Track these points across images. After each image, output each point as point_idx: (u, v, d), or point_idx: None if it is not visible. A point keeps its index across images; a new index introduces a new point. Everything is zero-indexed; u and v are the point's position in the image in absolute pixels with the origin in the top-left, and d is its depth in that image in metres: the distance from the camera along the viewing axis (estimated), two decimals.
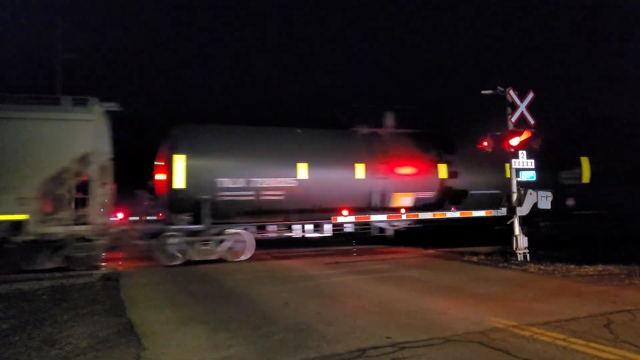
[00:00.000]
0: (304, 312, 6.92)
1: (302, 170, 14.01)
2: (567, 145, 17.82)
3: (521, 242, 12.32)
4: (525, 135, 12.34)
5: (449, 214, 14.77)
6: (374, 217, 14.29)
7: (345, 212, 14.04)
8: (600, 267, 10.28)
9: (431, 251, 14.74)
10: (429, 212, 14.71)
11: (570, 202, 16.82)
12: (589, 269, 10.16)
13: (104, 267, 12.41)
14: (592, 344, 5.17)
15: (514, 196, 12.83)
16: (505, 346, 5.16)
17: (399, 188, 15.04)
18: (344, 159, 14.70)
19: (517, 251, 12.19)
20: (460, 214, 14.83)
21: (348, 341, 5.44)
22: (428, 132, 16.50)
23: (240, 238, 13.46)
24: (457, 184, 15.66)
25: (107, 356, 5.20)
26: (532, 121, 12.66)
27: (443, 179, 15.56)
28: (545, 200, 12.84)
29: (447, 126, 18.92)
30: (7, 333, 6.20)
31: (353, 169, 14.63)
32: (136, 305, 7.70)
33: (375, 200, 14.83)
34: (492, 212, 14.14)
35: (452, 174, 15.66)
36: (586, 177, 17.27)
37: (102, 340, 5.75)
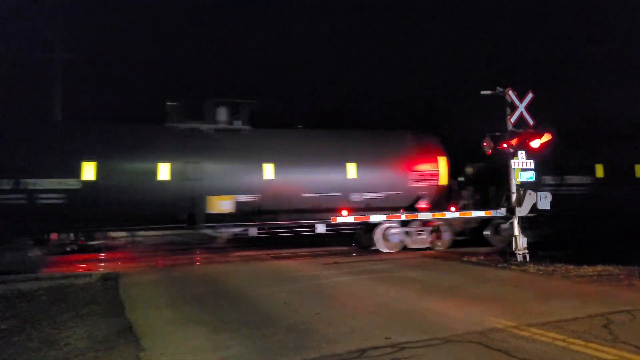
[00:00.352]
0: (303, 313, 6.92)
1: (89, 170, 12.01)
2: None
3: (520, 242, 12.32)
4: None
5: (448, 215, 14.77)
6: (373, 218, 14.27)
7: (344, 213, 14.03)
8: (599, 268, 10.28)
9: (430, 252, 14.73)
10: (429, 213, 14.71)
11: None
12: (588, 270, 10.17)
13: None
14: (591, 344, 5.17)
15: (514, 196, 12.83)
16: (504, 346, 5.16)
17: (216, 191, 13.24)
18: (145, 158, 12.75)
19: (517, 251, 12.18)
20: (460, 214, 14.83)
21: (348, 341, 5.43)
22: (259, 129, 14.57)
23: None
24: (285, 184, 13.98)
25: (106, 357, 5.20)
26: (531, 122, 12.66)
27: (269, 180, 13.88)
28: (544, 201, 12.84)
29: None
30: (6, 334, 6.20)
31: (155, 169, 12.69)
32: (135, 306, 7.69)
33: (184, 206, 12.98)
34: (492, 213, 14.15)
35: (280, 174, 14.01)
36: None
37: (101, 341, 5.74)
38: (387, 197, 14.94)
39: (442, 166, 15.49)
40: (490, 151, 13.16)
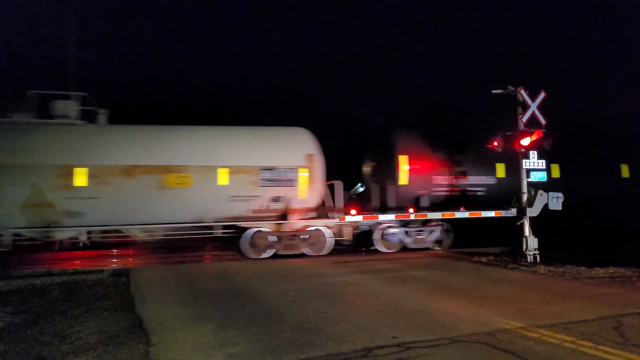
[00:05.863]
0: (311, 311, 6.95)
1: None
2: None
3: (531, 243, 12.20)
4: (536, 135, 12.23)
5: (458, 214, 14.69)
6: (382, 217, 14.25)
7: (353, 212, 14.04)
8: (612, 269, 10.15)
9: (440, 252, 14.66)
10: (437, 212, 14.64)
11: None
12: (600, 271, 10.05)
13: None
14: (601, 347, 5.12)
15: (524, 197, 12.71)
16: (512, 348, 5.13)
17: None
18: None
19: (527, 252, 12.07)
20: (470, 214, 14.74)
21: (354, 340, 5.45)
22: None
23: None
24: None
25: (116, 351, 5.28)
26: (543, 121, 12.53)
27: None
28: (556, 201, 12.71)
29: None
30: (19, 327, 6.33)
31: None
32: (145, 302, 7.79)
33: None
34: (502, 213, 14.02)
35: None
36: None
37: (111, 336, 5.84)
38: None
39: None
40: (501, 150, 13.06)
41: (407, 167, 15.13)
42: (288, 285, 9.05)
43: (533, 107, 12.55)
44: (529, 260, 11.87)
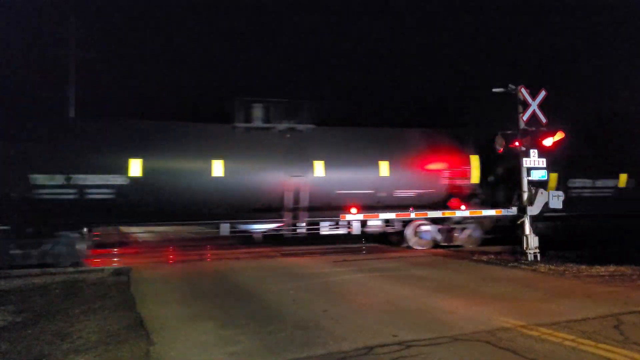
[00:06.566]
0: (311, 310, 6.95)
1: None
2: None
3: (531, 241, 12.20)
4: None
5: (459, 213, 14.69)
6: (382, 215, 14.25)
7: (353, 210, 14.03)
8: (612, 268, 10.16)
9: (440, 250, 14.66)
10: (438, 211, 14.64)
11: None
12: (600, 270, 10.05)
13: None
14: (601, 345, 5.12)
15: (525, 195, 12.71)
16: (512, 346, 5.14)
17: None
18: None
19: (527, 251, 12.08)
20: (470, 212, 14.74)
21: (355, 339, 5.45)
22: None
23: None
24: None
25: (117, 350, 5.28)
26: (543, 120, 12.53)
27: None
28: (556, 200, 12.71)
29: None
30: (20, 326, 6.34)
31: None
32: (146, 301, 7.80)
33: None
34: (503, 212, 14.01)
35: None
36: None
37: (112, 335, 5.84)
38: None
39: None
40: (502, 149, 13.06)
41: None
42: (288, 284, 9.06)
43: (534, 105, 12.55)
44: (529, 259, 11.87)
